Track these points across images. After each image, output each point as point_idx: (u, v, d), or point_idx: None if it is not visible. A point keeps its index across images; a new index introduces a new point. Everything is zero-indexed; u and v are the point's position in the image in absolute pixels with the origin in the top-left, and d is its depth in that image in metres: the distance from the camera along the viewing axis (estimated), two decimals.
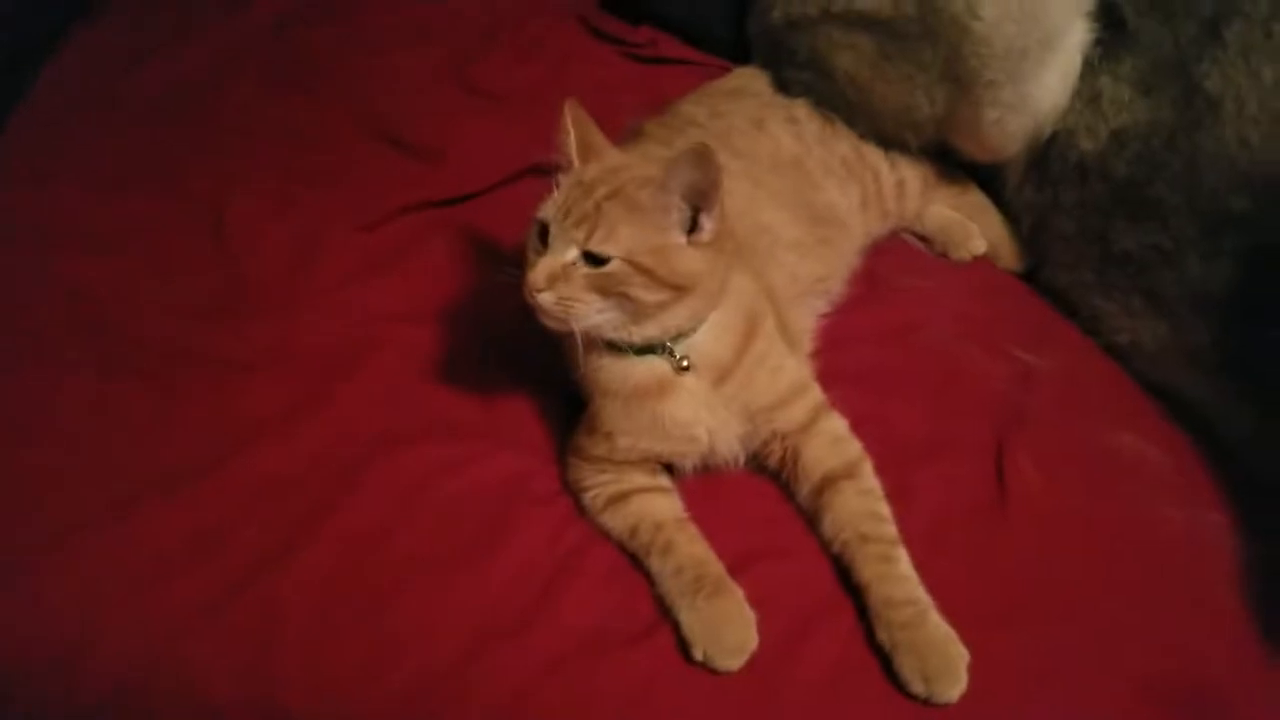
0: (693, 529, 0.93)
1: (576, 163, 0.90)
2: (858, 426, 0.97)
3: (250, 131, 1.34)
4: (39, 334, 1.09)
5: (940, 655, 0.83)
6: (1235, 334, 1.00)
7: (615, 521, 0.93)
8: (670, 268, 0.85)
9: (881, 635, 0.85)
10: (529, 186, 1.23)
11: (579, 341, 0.88)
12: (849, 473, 0.94)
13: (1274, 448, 0.98)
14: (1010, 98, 1.13)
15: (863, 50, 1.21)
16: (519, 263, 0.89)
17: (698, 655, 0.85)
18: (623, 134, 1.19)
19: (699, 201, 0.85)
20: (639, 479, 0.95)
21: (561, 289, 0.84)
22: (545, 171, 0.94)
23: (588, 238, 0.84)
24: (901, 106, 1.20)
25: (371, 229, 1.22)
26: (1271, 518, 0.95)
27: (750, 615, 0.87)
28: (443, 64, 1.43)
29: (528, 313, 0.87)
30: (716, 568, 0.89)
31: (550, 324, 0.87)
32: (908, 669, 0.83)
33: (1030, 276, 1.23)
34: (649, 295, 0.85)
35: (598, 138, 0.92)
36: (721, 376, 0.93)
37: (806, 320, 1.09)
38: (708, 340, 0.92)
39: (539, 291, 0.84)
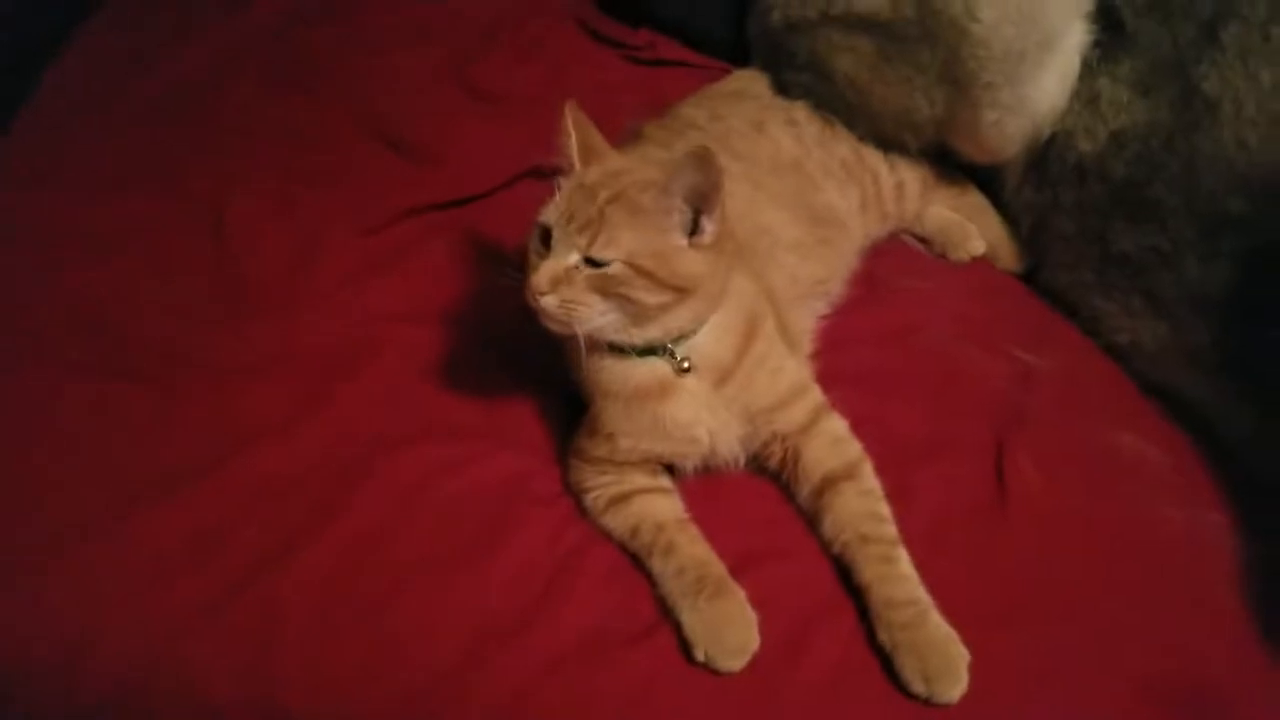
0: (694, 530, 0.93)
1: (578, 165, 0.90)
2: (858, 427, 0.97)
3: (250, 132, 1.34)
4: (39, 334, 1.09)
5: (941, 655, 0.83)
6: (1234, 334, 1.01)
7: (617, 522, 0.94)
8: (672, 270, 0.85)
9: (882, 636, 0.85)
10: (529, 188, 1.24)
11: (581, 344, 0.88)
12: (849, 473, 0.94)
13: (1274, 448, 0.99)
14: (1009, 99, 1.13)
15: (862, 52, 1.21)
16: (520, 265, 0.89)
17: (699, 656, 0.85)
18: (622, 136, 1.19)
19: (700, 204, 0.85)
20: (640, 480, 0.95)
21: (564, 292, 0.85)
22: (545, 174, 0.94)
23: (590, 243, 0.84)
24: (900, 108, 1.20)
25: (372, 231, 1.22)
26: (1271, 518, 0.96)
27: (752, 616, 0.87)
28: (442, 65, 1.43)
29: (529, 315, 0.87)
30: (718, 568, 0.89)
31: (553, 327, 0.87)
32: (909, 669, 0.83)
33: (1029, 277, 1.24)
34: (651, 297, 0.85)
35: (598, 140, 0.92)
36: (722, 378, 0.93)
37: (806, 321, 1.10)
38: (708, 341, 0.93)
39: (542, 295, 0.84)
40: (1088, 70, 1.13)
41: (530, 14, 1.54)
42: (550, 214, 0.87)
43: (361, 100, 1.37)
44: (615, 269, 0.84)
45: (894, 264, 1.22)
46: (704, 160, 0.83)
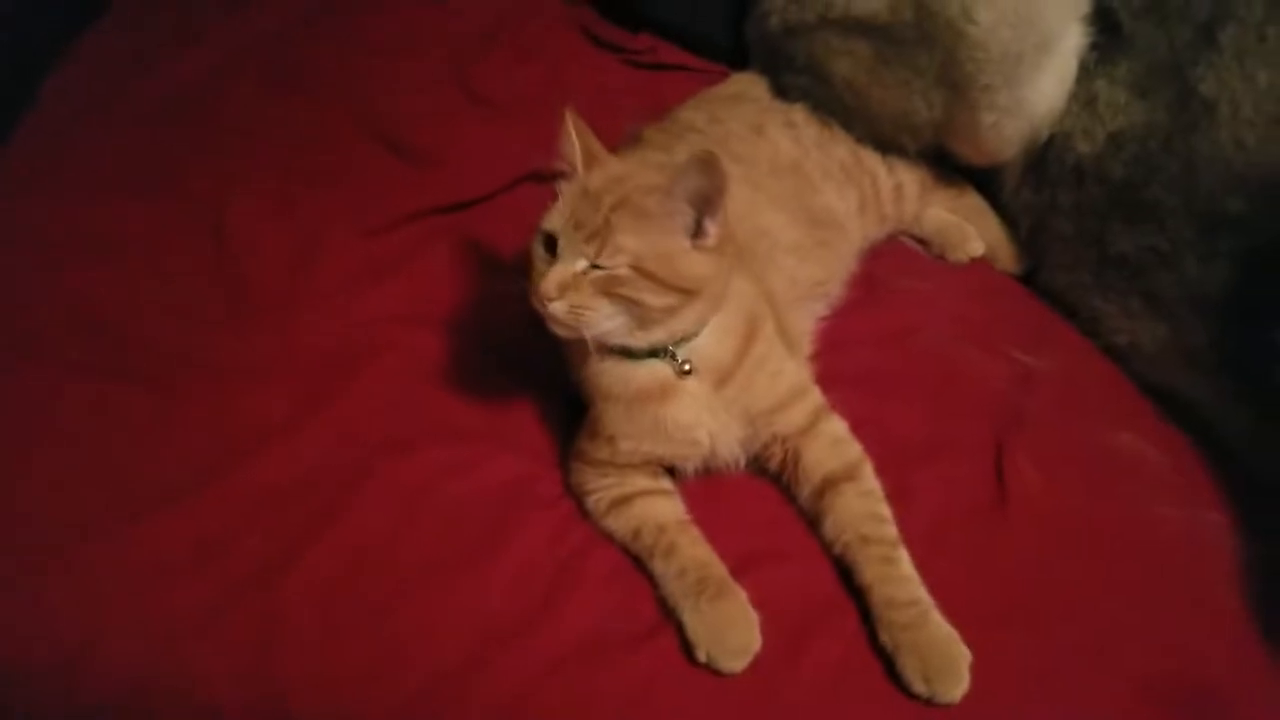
0: (695, 531, 0.93)
1: (580, 171, 0.90)
2: (857, 428, 0.98)
3: (250, 133, 1.34)
4: (39, 334, 1.09)
5: (942, 655, 0.84)
6: (1233, 335, 1.01)
7: (618, 524, 0.94)
8: (677, 272, 0.86)
9: (884, 636, 0.85)
10: (529, 192, 1.24)
11: (590, 347, 0.88)
12: (849, 474, 0.94)
13: (1272, 448, 0.99)
14: (1006, 101, 1.14)
15: (860, 56, 1.21)
16: (523, 271, 0.89)
17: (701, 657, 0.85)
18: (622, 140, 1.19)
19: (703, 207, 0.86)
20: (641, 482, 0.96)
21: (573, 298, 0.85)
22: (545, 178, 0.94)
23: (599, 251, 0.84)
24: (899, 111, 1.21)
25: (372, 233, 1.22)
26: (1271, 518, 0.96)
27: (753, 617, 0.87)
28: (442, 67, 1.44)
29: (534, 320, 0.88)
30: (719, 570, 0.90)
31: (561, 332, 0.87)
32: (910, 669, 0.83)
33: (1028, 278, 1.24)
34: (657, 300, 0.86)
35: (596, 145, 0.93)
36: (722, 379, 0.93)
37: (806, 323, 1.10)
38: (709, 343, 0.93)
39: (551, 301, 0.85)
40: (1085, 72, 1.14)
41: (530, 17, 1.54)
42: (555, 220, 0.87)
43: (361, 102, 1.37)
44: (622, 271, 0.85)
45: (893, 265, 1.23)
46: (708, 164, 0.83)
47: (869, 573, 0.88)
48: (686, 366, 0.92)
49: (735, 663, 0.85)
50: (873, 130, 1.24)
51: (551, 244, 0.87)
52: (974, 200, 1.28)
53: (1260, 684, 0.86)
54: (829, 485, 0.93)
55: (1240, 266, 0.99)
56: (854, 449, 0.96)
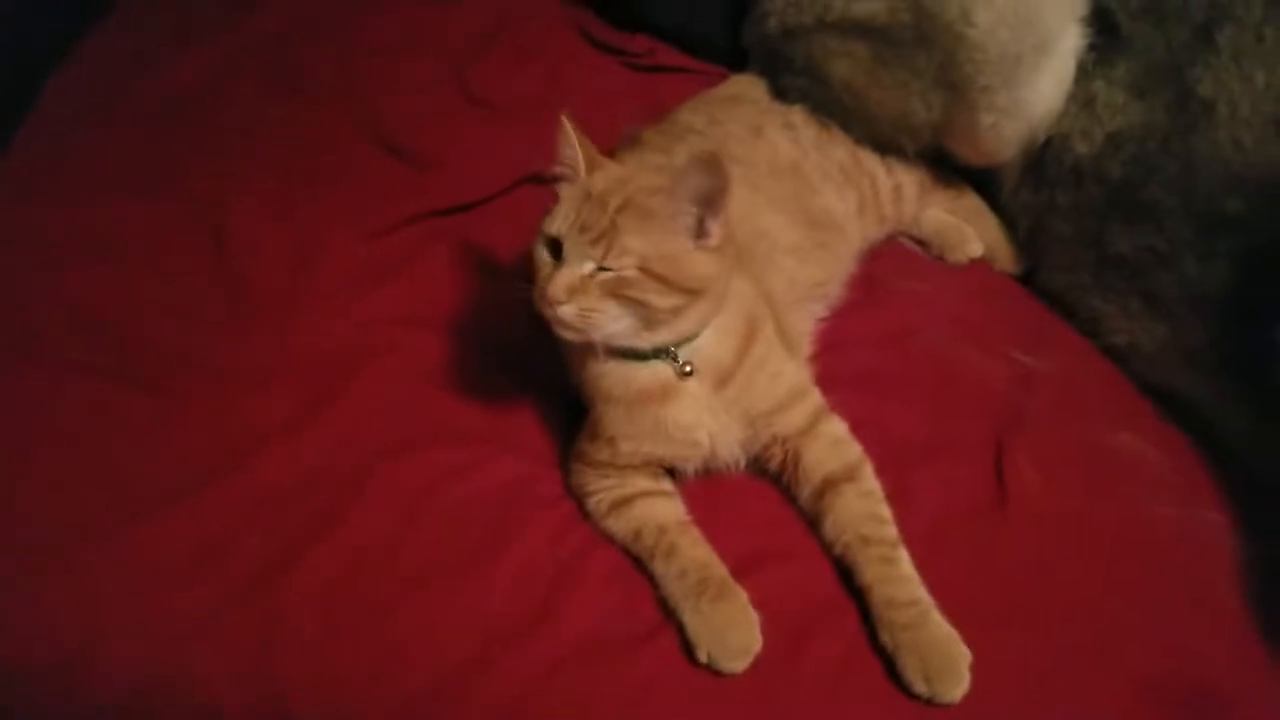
0: (695, 532, 0.93)
1: (583, 174, 0.90)
2: (857, 429, 0.98)
3: (250, 134, 1.34)
4: (39, 335, 1.09)
5: (942, 655, 0.84)
6: (1232, 335, 1.01)
7: (619, 525, 0.94)
8: (683, 272, 0.86)
9: (884, 636, 0.85)
10: (529, 194, 1.24)
11: (599, 349, 0.89)
12: (849, 475, 0.94)
13: (1272, 448, 0.99)
14: (1005, 103, 1.14)
15: (858, 57, 1.21)
16: (527, 275, 0.89)
17: (702, 657, 0.85)
18: (620, 142, 1.19)
19: (706, 207, 0.86)
20: (642, 483, 0.96)
21: (581, 301, 0.85)
22: (544, 180, 0.94)
23: (605, 254, 0.84)
24: (897, 112, 1.21)
25: (373, 235, 1.22)
26: (1271, 518, 0.96)
27: (754, 617, 0.87)
28: (442, 69, 1.43)
29: (539, 322, 0.87)
30: (720, 570, 0.90)
31: (568, 335, 0.87)
32: (910, 669, 0.83)
33: (1027, 279, 1.24)
34: (663, 300, 0.86)
35: (593, 150, 0.93)
36: (722, 380, 0.94)
37: (805, 324, 1.10)
38: (709, 344, 0.93)
39: (560, 305, 0.85)
40: (1083, 73, 1.14)
41: (529, 19, 1.54)
42: (559, 224, 0.87)
43: (361, 103, 1.37)
44: (629, 273, 0.85)
45: (892, 266, 1.23)
46: (711, 164, 0.83)
47: (869, 573, 0.88)
48: (688, 368, 0.92)
49: (736, 663, 0.85)
50: (871, 131, 1.24)
51: (555, 247, 0.87)
52: (973, 201, 1.28)
53: (1260, 684, 0.86)
54: (829, 486, 0.94)
55: (1239, 266, 1.00)
56: (854, 449, 0.96)
